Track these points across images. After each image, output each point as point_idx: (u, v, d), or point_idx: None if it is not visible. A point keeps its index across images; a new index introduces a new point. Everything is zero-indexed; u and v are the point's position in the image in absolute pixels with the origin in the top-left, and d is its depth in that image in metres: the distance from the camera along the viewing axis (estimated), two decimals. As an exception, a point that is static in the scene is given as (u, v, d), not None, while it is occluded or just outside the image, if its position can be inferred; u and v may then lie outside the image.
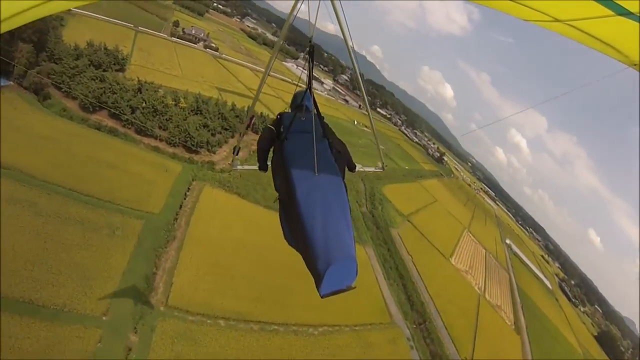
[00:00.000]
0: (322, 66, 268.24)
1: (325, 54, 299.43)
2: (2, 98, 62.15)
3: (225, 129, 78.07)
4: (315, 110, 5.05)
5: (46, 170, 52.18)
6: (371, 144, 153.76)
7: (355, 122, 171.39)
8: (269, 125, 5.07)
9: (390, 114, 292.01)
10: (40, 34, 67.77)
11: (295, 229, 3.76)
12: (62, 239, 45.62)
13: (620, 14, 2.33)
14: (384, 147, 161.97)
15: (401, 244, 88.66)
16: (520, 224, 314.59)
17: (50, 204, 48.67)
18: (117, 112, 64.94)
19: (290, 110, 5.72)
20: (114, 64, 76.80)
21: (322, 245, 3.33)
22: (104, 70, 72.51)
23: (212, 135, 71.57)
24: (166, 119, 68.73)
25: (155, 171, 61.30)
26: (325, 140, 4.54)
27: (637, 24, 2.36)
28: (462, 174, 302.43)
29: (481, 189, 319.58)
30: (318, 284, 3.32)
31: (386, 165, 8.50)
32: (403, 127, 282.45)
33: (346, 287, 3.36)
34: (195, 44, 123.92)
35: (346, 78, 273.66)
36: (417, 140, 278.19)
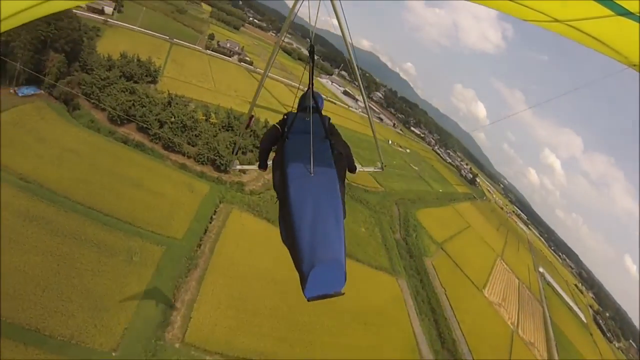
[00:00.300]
0: (355, 83, 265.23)
1: (366, 74, 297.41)
2: (32, 107, 60.66)
3: (258, 148, 74.00)
4: (310, 110, 4.81)
5: (67, 185, 49.48)
6: (407, 166, 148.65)
7: (390, 142, 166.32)
8: (275, 124, 4.95)
9: (424, 133, 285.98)
10: (73, 44, 66.47)
11: (287, 228, 3.72)
12: (76, 263, 42.34)
13: (620, 14, 2.32)
14: (418, 168, 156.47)
15: (434, 275, 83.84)
16: (552, 250, 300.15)
17: (68, 223, 45.60)
18: (145, 126, 62.20)
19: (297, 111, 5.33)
20: (146, 76, 74.94)
21: (308, 247, 3.28)
22: (136, 82, 70.53)
23: (243, 153, 67.87)
24: (195, 135, 65.63)
25: (181, 191, 57.75)
26: (327, 141, 4.43)
27: (637, 24, 2.34)
28: (494, 196, 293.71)
29: (513, 211, 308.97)
30: (303, 285, 3.23)
31: (385, 165, 7.99)
32: (436, 147, 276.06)
33: (334, 292, 3.24)
34: (229, 57, 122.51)
35: (380, 95, 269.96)
36: (450, 160, 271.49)
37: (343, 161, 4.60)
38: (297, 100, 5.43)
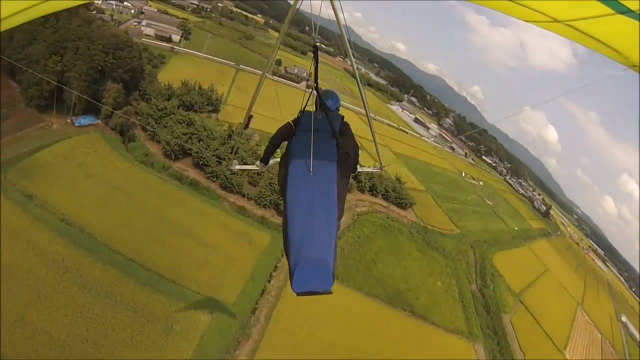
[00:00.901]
0: (425, 109, 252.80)
1: (428, 96, 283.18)
2: (86, 138, 56.89)
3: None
4: (302, 108, 4.96)
5: (109, 231, 43.55)
6: (480, 201, 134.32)
7: (463, 174, 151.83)
8: (289, 121, 4.85)
9: (496, 163, 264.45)
10: (133, 73, 62.86)
11: (283, 224, 3.83)
12: (107, 329, 35.82)
13: (621, 12, 2.33)
14: (492, 203, 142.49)
15: (513, 336, 72.84)
16: (633, 291, 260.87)
17: (103, 277, 39.13)
18: (201, 162, 55.73)
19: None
20: (207, 105, 69.58)
21: (297, 244, 3.39)
22: (196, 111, 65.29)
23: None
24: (257, 173, 57.98)
25: (237, 243, 49.78)
26: (334, 141, 4.37)
27: (638, 22, 2.35)
28: (568, 229, 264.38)
29: (589, 247, 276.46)
30: (290, 280, 3.32)
31: (384, 167, 7.50)
32: (508, 177, 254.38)
33: (322, 291, 3.31)
34: (297, 83, 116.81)
35: (450, 122, 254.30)
36: (522, 191, 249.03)
37: (348, 162, 4.58)
38: (302, 101, 5.24)
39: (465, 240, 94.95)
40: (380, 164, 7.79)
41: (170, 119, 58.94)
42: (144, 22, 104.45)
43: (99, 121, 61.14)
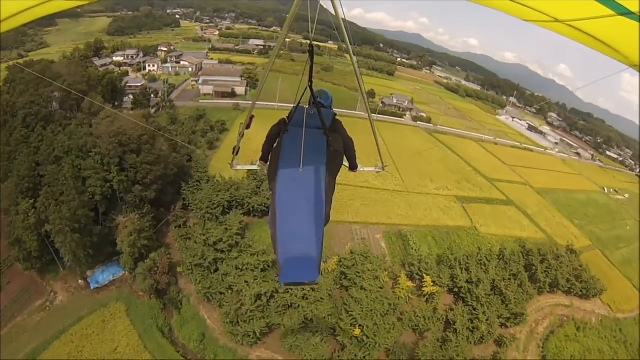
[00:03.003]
0: (527, 108, 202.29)
1: (527, 92, 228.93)
2: (102, 316, 31.23)
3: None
4: (295, 104, 4.57)
5: None
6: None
7: (605, 190, 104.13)
8: (284, 117, 4.61)
9: (620, 155, 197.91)
10: (165, 181, 36.37)
11: (271, 217, 3.71)
12: None
13: (621, 14, 2.29)
14: None
15: None
16: None
17: None
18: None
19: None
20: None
21: (284, 239, 3.40)
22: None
23: None
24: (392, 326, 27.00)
25: None
26: (325, 138, 4.09)
27: (638, 23, 2.30)
28: None
29: None
30: (278, 272, 3.37)
31: (386, 166, 6.55)
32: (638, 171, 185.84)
33: (308, 282, 3.34)
34: (401, 117, 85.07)
35: (556, 117, 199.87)
36: None
37: (337, 159, 4.25)
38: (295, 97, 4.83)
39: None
40: (382, 163, 6.55)
41: (236, 268, 30.28)
42: (201, 80, 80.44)
43: (125, 271, 34.68)
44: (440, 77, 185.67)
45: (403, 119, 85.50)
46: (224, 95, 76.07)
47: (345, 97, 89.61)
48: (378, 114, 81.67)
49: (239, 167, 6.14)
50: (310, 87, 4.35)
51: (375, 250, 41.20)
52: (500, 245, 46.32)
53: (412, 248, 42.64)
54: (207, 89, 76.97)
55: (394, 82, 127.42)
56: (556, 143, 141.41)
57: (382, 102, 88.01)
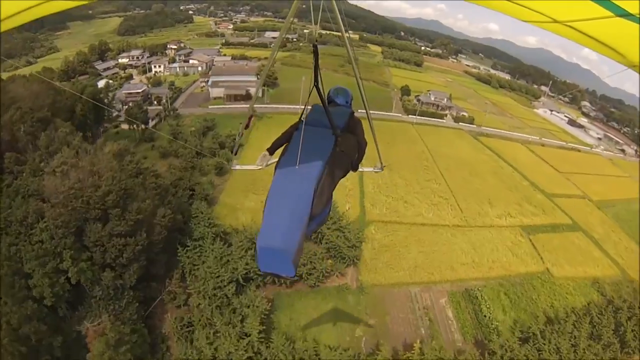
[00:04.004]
0: (560, 98, 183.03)
1: (557, 79, 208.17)
2: None
3: None
4: (305, 104, 4.48)
5: None
6: None
7: None
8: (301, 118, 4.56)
9: None
10: (155, 250, 24.43)
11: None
12: None
13: (620, 15, 2.25)
14: None
15: None
16: None
17: None
18: None
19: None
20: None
21: (265, 228, 3.36)
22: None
23: None
24: None
25: None
26: (333, 138, 4.00)
27: (637, 25, 2.28)
28: None
29: None
30: (255, 258, 3.44)
31: (384, 165, 6.41)
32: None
33: (285, 275, 3.38)
34: (441, 118, 71.85)
35: (589, 105, 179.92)
36: None
37: (344, 160, 4.12)
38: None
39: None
40: (381, 163, 6.43)
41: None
42: (210, 82, 68.87)
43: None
44: (468, 66, 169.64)
45: (444, 120, 72.12)
46: (237, 98, 64.38)
47: (377, 95, 77.03)
48: (418, 115, 68.56)
49: (237, 167, 5.91)
50: (317, 87, 3.98)
51: (442, 323, 29.47)
52: (582, 298, 36.01)
53: (484, 315, 30.83)
54: (218, 92, 65.28)
55: (424, 74, 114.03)
56: (599, 138, 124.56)
57: (418, 100, 74.70)
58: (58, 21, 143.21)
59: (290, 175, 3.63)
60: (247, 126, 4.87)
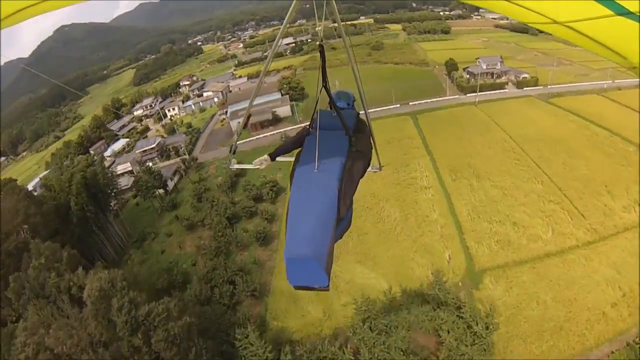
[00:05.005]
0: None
1: None
2: None
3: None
4: (315, 108, 4.30)
5: None
6: None
7: None
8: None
9: None
10: None
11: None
12: None
13: (620, 14, 2.16)
14: None
15: None
16: None
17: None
18: None
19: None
20: None
21: (290, 239, 3.09)
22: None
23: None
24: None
25: None
26: (347, 139, 3.86)
27: (638, 24, 2.18)
28: None
29: None
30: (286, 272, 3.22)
31: (382, 166, 5.66)
32: None
33: (318, 287, 3.10)
34: (502, 88, 57.70)
35: None
36: None
37: (361, 159, 3.89)
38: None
39: None
40: (380, 163, 5.79)
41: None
42: (229, 114, 58.95)
43: None
44: (495, 19, 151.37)
45: (506, 89, 57.84)
46: (263, 125, 54.08)
47: (421, 79, 64.44)
48: (479, 91, 54.92)
49: (235, 166, 5.23)
50: (326, 88, 3.95)
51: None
52: None
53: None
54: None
55: (456, 41, 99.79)
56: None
57: (469, 73, 60.85)
58: (78, 88, 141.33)
59: (310, 179, 3.40)
60: (245, 126, 4.60)
